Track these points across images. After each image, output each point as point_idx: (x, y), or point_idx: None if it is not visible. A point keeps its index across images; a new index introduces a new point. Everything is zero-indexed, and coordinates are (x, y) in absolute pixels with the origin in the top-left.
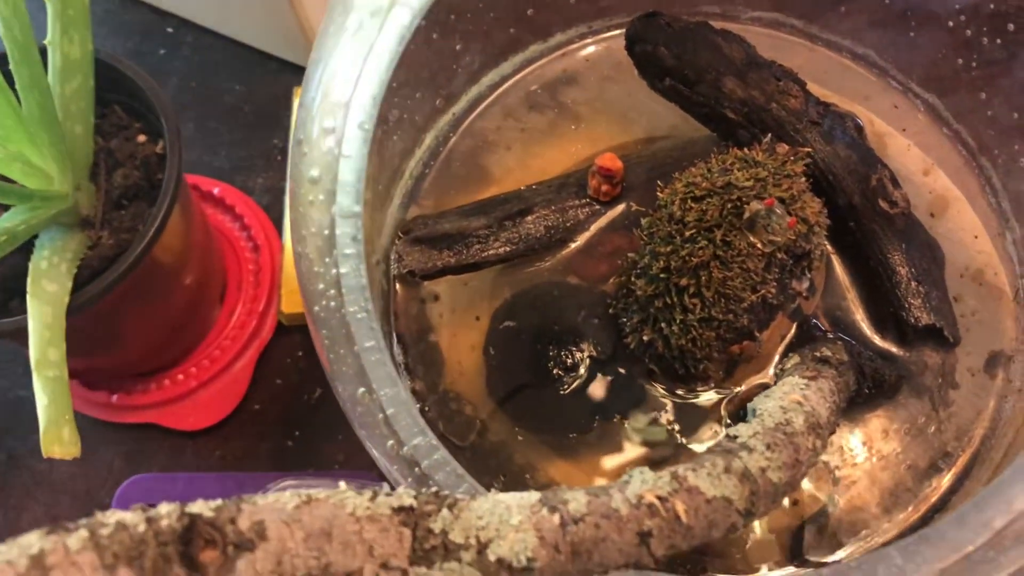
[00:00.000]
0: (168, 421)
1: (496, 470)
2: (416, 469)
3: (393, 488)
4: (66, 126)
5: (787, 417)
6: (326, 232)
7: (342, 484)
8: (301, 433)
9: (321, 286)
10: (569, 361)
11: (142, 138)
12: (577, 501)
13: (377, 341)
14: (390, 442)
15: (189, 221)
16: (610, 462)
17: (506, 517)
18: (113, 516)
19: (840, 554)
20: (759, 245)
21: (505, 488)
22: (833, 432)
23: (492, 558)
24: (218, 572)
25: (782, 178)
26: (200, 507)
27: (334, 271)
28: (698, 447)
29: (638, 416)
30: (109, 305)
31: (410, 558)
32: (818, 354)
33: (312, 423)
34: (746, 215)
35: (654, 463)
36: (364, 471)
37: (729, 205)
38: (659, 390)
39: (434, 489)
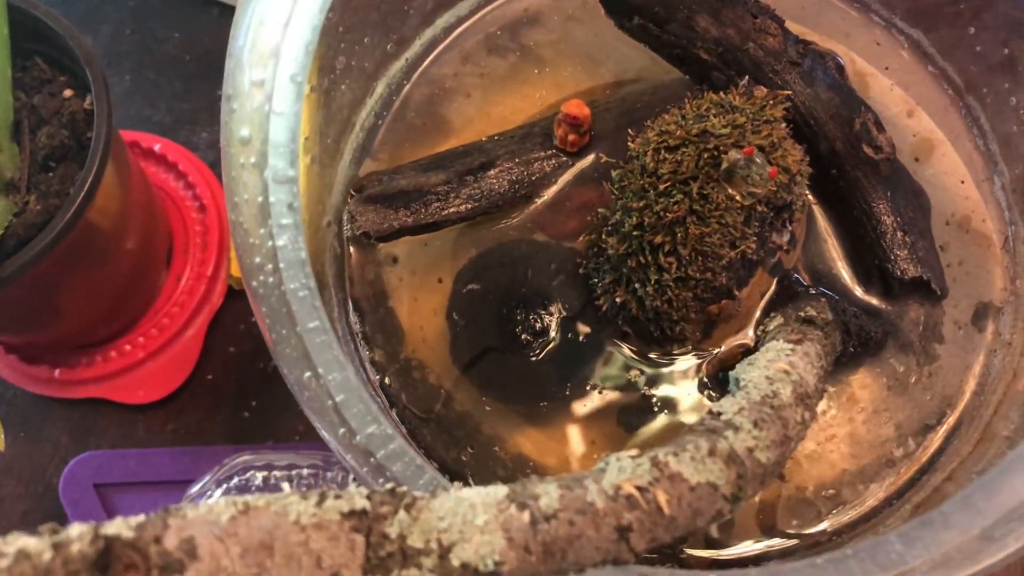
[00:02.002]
0: (116, 395)
1: (463, 442)
2: (372, 459)
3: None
4: None
5: (774, 388)
6: (260, 199)
7: (285, 487)
8: (258, 403)
9: (258, 259)
10: (538, 325)
11: (68, 93)
12: (548, 496)
13: (322, 321)
14: (342, 430)
15: (126, 181)
16: (583, 431)
17: (470, 517)
18: (14, 543)
19: (826, 523)
20: (738, 198)
21: (475, 461)
22: (821, 399)
23: (456, 563)
24: None
25: (761, 124)
26: (118, 526)
27: (270, 243)
28: (676, 414)
29: (610, 379)
30: (42, 275)
31: (364, 567)
32: (802, 314)
33: (269, 393)
34: (724, 165)
35: (629, 429)
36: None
37: (705, 155)
38: (633, 353)
39: (389, 486)
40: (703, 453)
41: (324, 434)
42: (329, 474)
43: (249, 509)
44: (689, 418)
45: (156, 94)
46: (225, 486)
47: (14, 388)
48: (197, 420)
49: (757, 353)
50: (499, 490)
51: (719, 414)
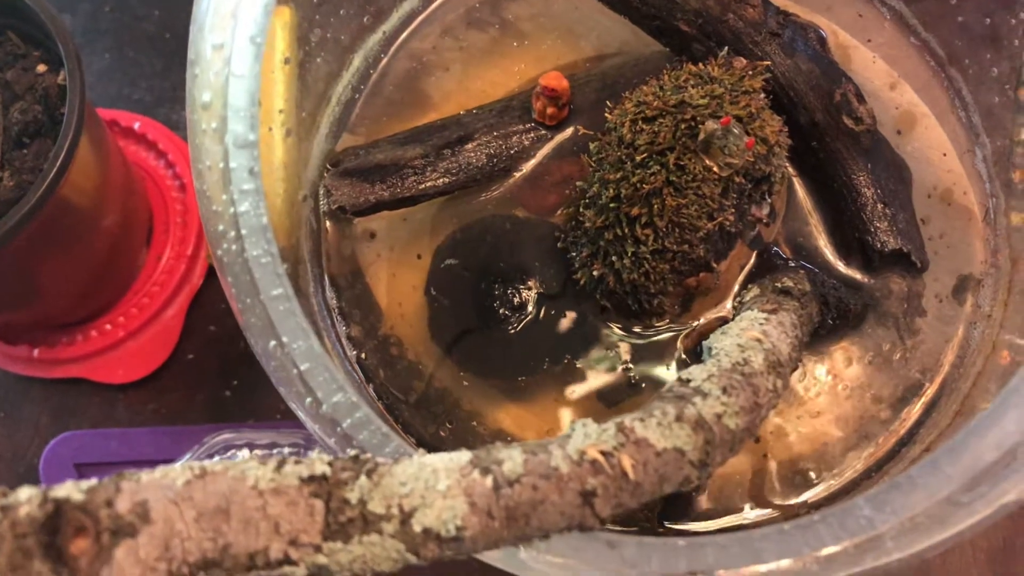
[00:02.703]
0: (97, 375)
1: (442, 418)
2: (339, 428)
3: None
4: None
5: (745, 356)
6: (220, 165)
7: (244, 454)
8: (239, 383)
9: (221, 227)
10: (516, 300)
11: (42, 68)
12: (512, 461)
13: (285, 289)
14: (308, 399)
15: (104, 158)
16: (562, 405)
17: (432, 482)
18: None
19: (807, 494)
20: (715, 168)
21: (453, 436)
22: (796, 369)
23: (417, 528)
24: (91, 564)
25: (739, 95)
26: (68, 489)
27: (231, 210)
28: (655, 387)
29: (589, 354)
30: (17, 252)
31: (323, 533)
32: (779, 284)
33: (250, 372)
34: (701, 136)
35: (609, 404)
36: None
37: (683, 126)
38: (612, 327)
39: (353, 452)
40: (670, 419)
41: (292, 404)
42: (311, 452)
43: (206, 474)
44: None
45: (136, 72)
46: None
47: None
48: (178, 399)
49: (731, 322)
50: (462, 455)
51: (688, 381)
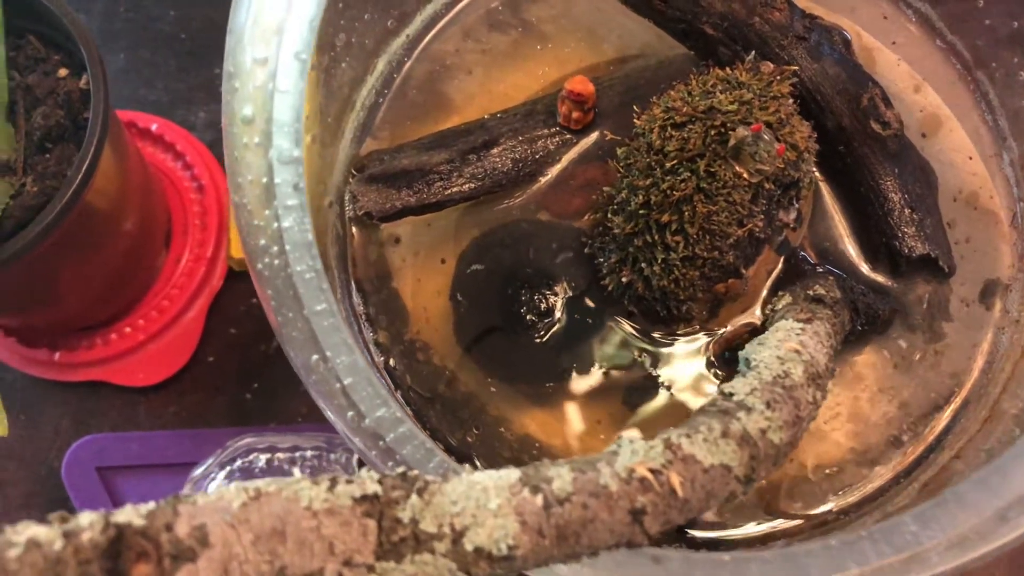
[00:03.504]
0: (117, 378)
1: (468, 423)
2: (381, 443)
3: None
4: None
5: (785, 368)
6: (264, 180)
7: (295, 472)
8: (260, 385)
9: (263, 241)
10: (543, 306)
11: (63, 72)
12: (562, 479)
13: (329, 304)
14: (350, 413)
15: (124, 162)
16: (588, 411)
17: (483, 501)
18: (24, 532)
19: (831, 503)
20: (745, 175)
21: (480, 442)
22: (831, 378)
23: (469, 547)
24: None
25: (768, 100)
26: (128, 514)
27: (276, 225)
28: (681, 393)
29: (615, 359)
30: (40, 257)
31: (376, 553)
32: (811, 292)
33: (271, 374)
34: (731, 142)
35: (635, 408)
36: (329, 424)
37: (712, 132)
38: (639, 333)
39: (400, 470)
40: (716, 435)
41: (331, 417)
42: (332, 456)
43: (260, 495)
44: (694, 397)
45: (151, 73)
46: (228, 468)
47: (14, 371)
48: (199, 403)
49: (767, 332)
50: (511, 473)
51: (731, 395)
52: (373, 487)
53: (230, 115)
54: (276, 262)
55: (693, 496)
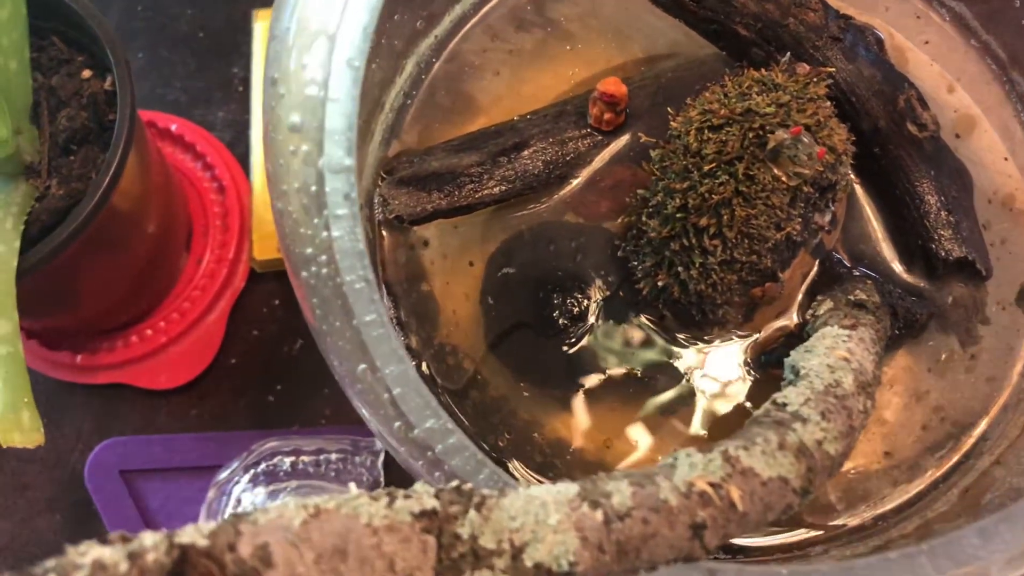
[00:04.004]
0: (139, 380)
1: (500, 428)
2: (429, 453)
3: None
4: None
5: (836, 377)
6: (313, 189)
7: (352, 487)
8: (283, 387)
9: (310, 250)
10: (575, 310)
11: (87, 73)
12: (621, 494)
13: (379, 314)
14: (397, 423)
15: (146, 163)
16: (621, 415)
17: (542, 516)
18: (88, 554)
19: (869, 509)
20: (784, 178)
21: (512, 447)
22: (878, 386)
23: (529, 563)
24: None
25: (806, 102)
26: (192, 534)
27: (325, 234)
28: (715, 397)
29: (647, 363)
30: (64, 262)
31: (436, 570)
32: (852, 297)
33: (294, 376)
34: (770, 145)
35: (669, 413)
36: (353, 426)
37: (750, 135)
38: (672, 337)
39: (455, 483)
40: (773, 446)
41: (376, 427)
42: (358, 458)
43: (320, 512)
44: (728, 401)
45: (170, 72)
46: (253, 471)
47: (35, 374)
48: (221, 405)
49: (812, 339)
50: (569, 488)
51: (784, 405)
52: (431, 502)
53: (275, 122)
54: (324, 271)
55: (752, 510)
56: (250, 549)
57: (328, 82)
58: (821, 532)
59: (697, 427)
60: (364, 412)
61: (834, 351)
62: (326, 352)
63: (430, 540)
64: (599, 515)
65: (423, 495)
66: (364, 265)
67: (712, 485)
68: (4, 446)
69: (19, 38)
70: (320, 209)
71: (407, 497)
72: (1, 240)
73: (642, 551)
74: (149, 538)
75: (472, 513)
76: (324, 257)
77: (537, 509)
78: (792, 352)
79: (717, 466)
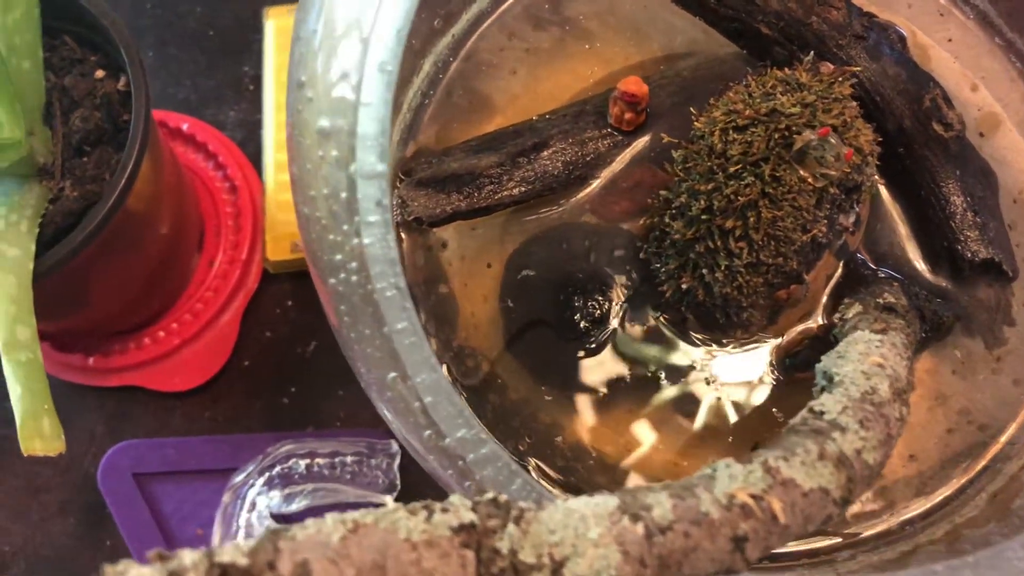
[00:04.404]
0: (151, 383)
1: (520, 432)
2: (460, 463)
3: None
4: (11, 62)
5: (872, 384)
6: (343, 195)
7: (388, 501)
8: (297, 389)
9: (339, 257)
10: (597, 312)
11: (100, 73)
12: (661, 506)
13: (411, 323)
14: (427, 432)
15: (159, 163)
16: (642, 418)
17: (582, 530)
18: (127, 574)
19: (894, 515)
20: (810, 180)
21: (533, 451)
22: (912, 392)
23: None
24: None
25: (831, 102)
26: (231, 553)
27: (355, 241)
28: (737, 401)
29: (668, 366)
30: (78, 264)
31: None
32: (881, 301)
33: (308, 378)
34: (797, 146)
35: (691, 416)
36: (368, 428)
37: (776, 135)
38: (694, 340)
39: (490, 495)
40: (813, 457)
41: (405, 436)
42: (373, 461)
43: (358, 527)
44: (751, 407)
45: (179, 71)
46: (268, 474)
47: (48, 377)
48: (234, 407)
49: (843, 344)
50: (608, 500)
51: (822, 413)
52: (468, 515)
53: (302, 126)
54: (354, 279)
55: (793, 521)
56: (290, 566)
57: (361, 86)
58: (847, 538)
59: (721, 432)
60: (393, 421)
61: (868, 357)
62: (353, 360)
63: (469, 555)
64: (640, 528)
65: (460, 508)
66: (396, 272)
67: (753, 497)
68: (25, 454)
69: (32, 38)
70: (351, 215)
71: (444, 511)
72: (16, 243)
73: (683, 565)
74: (188, 557)
75: (511, 527)
76: (354, 264)
77: (577, 522)
78: (823, 357)
79: (758, 477)
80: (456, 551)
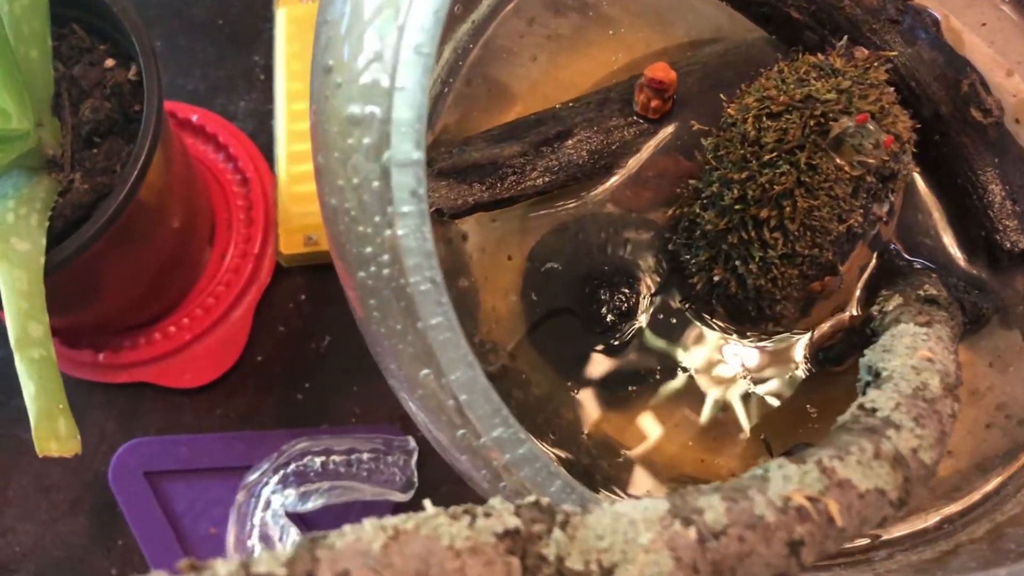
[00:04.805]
0: (162, 379)
1: (544, 428)
2: (495, 463)
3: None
4: (19, 51)
5: (923, 380)
6: (375, 184)
7: (427, 505)
8: (311, 385)
9: (369, 250)
10: (624, 306)
11: (110, 63)
12: (714, 510)
13: (447, 318)
14: (461, 431)
15: (170, 155)
16: (670, 414)
17: (632, 535)
18: None
19: (934, 513)
20: (847, 168)
21: (558, 447)
22: (960, 386)
23: None
24: None
25: (867, 88)
26: (268, 563)
27: (388, 232)
28: (769, 394)
29: (698, 359)
30: (89, 258)
31: None
32: (922, 293)
33: (322, 374)
34: (833, 133)
35: (721, 412)
36: (384, 424)
37: (811, 122)
38: (724, 332)
39: (532, 499)
40: (868, 456)
41: (436, 435)
42: (390, 458)
43: (400, 534)
44: (784, 401)
45: (188, 61)
46: (283, 472)
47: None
48: (247, 404)
49: (886, 338)
50: (658, 504)
51: (874, 410)
52: (512, 520)
53: (329, 113)
54: (386, 272)
55: (850, 524)
56: None
57: (396, 71)
58: (883, 536)
59: (753, 427)
60: (423, 419)
61: (916, 351)
62: (382, 356)
63: (514, 562)
64: (692, 533)
65: (504, 513)
66: (432, 265)
67: (810, 499)
68: (41, 456)
69: (40, 26)
70: (383, 206)
71: (487, 515)
72: (26, 238)
73: (737, 571)
74: (223, 568)
75: (557, 532)
76: (386, 256)
77: (626, 527)
78: (867, 352)
79: (814, 478)
80: (501, 558)
